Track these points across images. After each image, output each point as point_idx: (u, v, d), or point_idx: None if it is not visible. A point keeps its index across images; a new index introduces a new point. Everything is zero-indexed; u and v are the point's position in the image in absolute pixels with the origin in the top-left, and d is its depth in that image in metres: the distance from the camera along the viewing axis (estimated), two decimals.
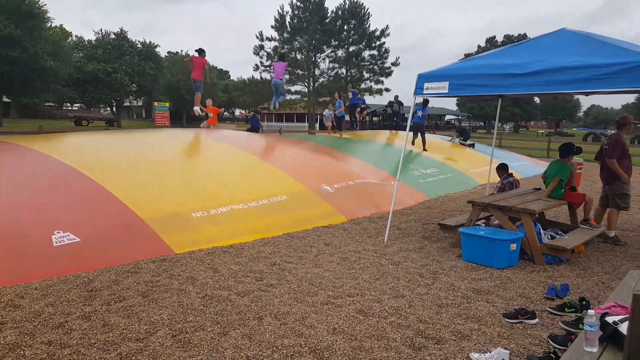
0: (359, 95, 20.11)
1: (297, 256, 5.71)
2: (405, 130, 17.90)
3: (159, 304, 4.15)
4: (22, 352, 3.26)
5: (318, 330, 3.70)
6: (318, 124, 44.41)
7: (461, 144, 17.21)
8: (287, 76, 43.49)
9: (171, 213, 6.42)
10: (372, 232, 7.00)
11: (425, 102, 14.78)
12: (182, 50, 59.88)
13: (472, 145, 17.19)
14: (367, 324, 3.85)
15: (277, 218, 7.15)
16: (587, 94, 7.04)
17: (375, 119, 28.03)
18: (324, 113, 17.74)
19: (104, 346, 3.37)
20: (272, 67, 13.69)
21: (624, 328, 2.40)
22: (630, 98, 74.74)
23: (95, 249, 5.32)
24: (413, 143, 14.40)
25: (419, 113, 14.66)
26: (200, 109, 13.62)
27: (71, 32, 41.29)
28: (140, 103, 60.91)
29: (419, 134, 14.50)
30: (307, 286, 4.69)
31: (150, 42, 43.84)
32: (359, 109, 19.17)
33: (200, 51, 13.04)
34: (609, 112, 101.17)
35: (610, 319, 2.52)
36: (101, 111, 53.10)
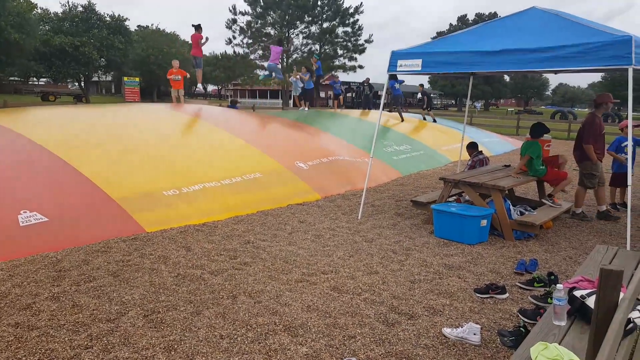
0: (336, 80, 19.44)
1: (271, 234, 5.68)
2: (377, 108, 18.06)
3: (130, 284, 4.08)
4: None
5: (292, 308, 3.70)
6: (292, 100, 44.04)
7: (424, 116, 17.33)
8: (260, 52, 42.81)
9: (142, 191, 6.28)
10: (346, 209, 7.02)
11: (394, 77, 15.10)
12: (152, 24, 58.05)
13: (434, 120, 17.40)
14: (341, 300, 3.87)
15: (251, 196, 7.09)
16: (555, 72, 7.15)
17: (349, 95, 27.90)
18: (290, 80, 16.82)
19: (74, 327, 3.30)
20: (269, 50, 13.95)
21: (591, 302, 2.48)
22: (597, 77, 76.60)
23: (63, 229, 5.18)
24: (403, 119, 15.03)
25: (397, 85, 15.01)
26: (202, 85, 13.49)
27: (36, 4, 39.35)
28: (109, 78, 59.01)
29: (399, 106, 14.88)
30: (282, 264, 4.68)
31: (120, 15, 42.26)
32: (338, 95, 18.89)
33: (197, 27, 12.78)
34: (576, 90, 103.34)
35: (577, 293, 2.59)
36: (69, 86, 51.25)
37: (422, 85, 19.20)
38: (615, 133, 8.55)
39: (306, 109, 15.77)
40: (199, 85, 14.09)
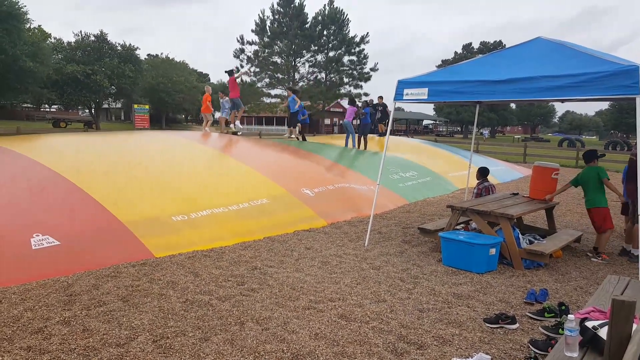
0: (298, 103, 15.41)
1: (278, 260, 5.69)
2: (376, 133, 18.17)
3: (139, 309, 4.08)
4: (0, 358, 3.17)
5: (300, 336, 3.69)
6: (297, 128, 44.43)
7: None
8: (267, 80, 43.42)
9: (151, 217, 6.33)
10: (352, 236, 7.02)
11: (351, 101, 15.69)
12: (162, 53, 59.23)
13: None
14: (349, 329, 3.85)
15: (257, 222, 7.12)
16: (562, 101, 7.21)
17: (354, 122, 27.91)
18: (220, 101, 15.06)
19: (84, 352, 3.31)
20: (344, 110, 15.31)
21: (603, 333, 2.46)
22: (605, 105, 76.75)
23: (74, 253, 5.22)
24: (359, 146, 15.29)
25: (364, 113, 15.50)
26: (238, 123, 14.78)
27: (50, 34, 40.36)
28: (119, 105, 60.00)
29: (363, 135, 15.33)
30: (289, 291, 4.67)
31: (130, 44, 43.20)
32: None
33: (230, 72, 14.20)
34: (583, 118, 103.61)
35: (589, 324, 2.57)
36: (79, 113, 52.09)
37: (381, 97, 18.36)
38: (625, 161, 8.54)
39: (292, 136, 15.84)
40: (237, 124, 14.88)
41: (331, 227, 7.56)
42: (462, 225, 6.99)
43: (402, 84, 6.41)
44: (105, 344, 3.43)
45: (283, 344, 3.55)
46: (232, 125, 14.74)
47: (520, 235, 6.01)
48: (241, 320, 3.93)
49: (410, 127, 68.50)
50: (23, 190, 6.19)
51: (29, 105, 51.62)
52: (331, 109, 51.94)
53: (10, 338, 3.48)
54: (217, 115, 15.61)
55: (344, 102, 38.83)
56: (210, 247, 6.04)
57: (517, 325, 3.99)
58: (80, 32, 44.17)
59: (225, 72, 14.55)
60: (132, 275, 4.93)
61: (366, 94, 44.15)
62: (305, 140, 15.84)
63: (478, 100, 6.46)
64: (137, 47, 43.35)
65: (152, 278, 4.86)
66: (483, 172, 7.92)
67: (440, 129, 78.87)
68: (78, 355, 3.27)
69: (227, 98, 14.49)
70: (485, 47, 60.80)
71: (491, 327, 3.96)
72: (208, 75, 75.31)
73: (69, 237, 5.41)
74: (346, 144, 15.04)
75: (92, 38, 41.88)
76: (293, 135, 15.86)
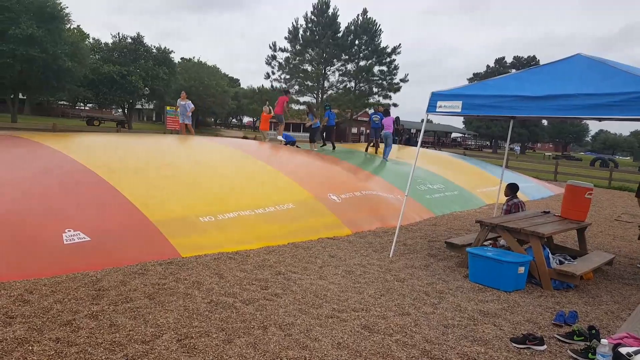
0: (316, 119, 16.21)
1: (301, 266, 5.69)
2: (415, 145, 18.02)
3: (165, 307, 4.14)
4: (30, 348, 3.26)
5: (323, 344, 3.67)
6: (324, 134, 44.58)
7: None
8: (296, 87, 43.76)
9: (179, 217, 6.43)
10: (377, 246, 6.98)
11: (386, 112, 15.84)
12: (194, 57, 60.36)
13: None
14: (372, 340, 3.82)
15: (283, 226, 7.15)
16: (600, 119, 7.05)
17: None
18: (182, 103, 15.67)
19: (111, 347, 3.37)
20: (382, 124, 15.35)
21: None
22: None
23: (104, 249, 5.34)
24: (370, 150, 15.54)
25: (375, 118, 15.58)
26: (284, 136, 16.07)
27: (89, 35, 41.70)
28: (151, 106, 61.37)
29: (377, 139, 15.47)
30: (312, 298, 4.67)
31: (166, 47, 44.27)
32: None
33: (286, 92, 16.51)
34: (617, 138, 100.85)
35: (623, 350, 2.49)
36: (113, 112, 53.44)
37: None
38: None
39: (315, 148, 15.92)
40: (279, 137, 16.32)
41: (355, 236, 7.53)
42: (490, 241, 6.87)
43: (436, 96, 6.36)
44: (131, 340, 3.49)
45: (305, 351, 3.54)
46: (278, 137, 16.23)
47: (550, 255, 5.87)
48: (264, 325, 3.94)
49: (439, 139, 67.91)
50: (57, 185, 6.36)
51: (64, 102, 53.22)
52: (359, 118, 51.90)
53: (40, 329, 3.56)
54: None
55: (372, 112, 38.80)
56: (236, 250, 6.09)
57: (544, 346, 3.88)
58: (118, 34, 45.41)
59: (282, 90, 16.24)
60: (159, 273, 5.01)
61: (395, 105, 44.07)
62: (334, 147, 16.06)
63: (514, 115, 6.36)
64: (172, 51, 44.39)
65: (178, 277, 4.93)
66: (513, 189, 7.77)
67: (469, 143, 77.91)
68: (105, 349, 3.33)
69: (189, 101, 15.58)
70: (519, 62, 59.95)
71: (518, 347, 3.87)
72: (239, 80, 76.43)
73: (99, 233, 5.53)
74: (384, 156, 14.47)
75: (129, 40, 43.06)
76: (315, 149, 16.03)
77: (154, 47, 43.86)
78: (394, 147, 16.02)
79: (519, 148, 63.71)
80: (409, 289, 5.19)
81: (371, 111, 16.18)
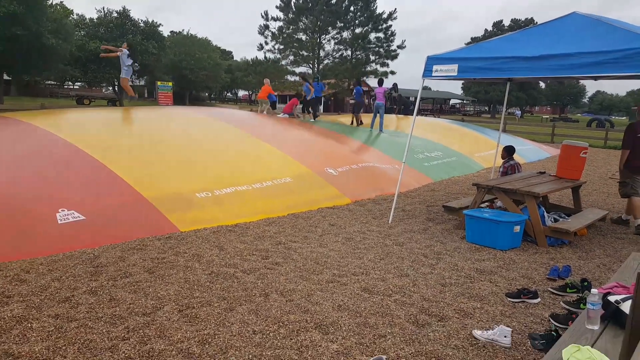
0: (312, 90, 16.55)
1: (302, 236, 5.75)
2: (411, 114, 17.86)
3: (165, 280, 4.20)
4: (29, 325, 3.31)
5: (323, 307, 3.75)
6: (322, 106, 44.22)
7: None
8: (291, 57, 43.13)
9: (175, 193, 6.45)
10: (376, 213, 7.03)
11: (380, 81, 15.38)
12: (183, 30, 59.30)
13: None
14: (371, 301, 3.90)
15: (281, 200, 7.18)
16: (595, 78, 7.00)
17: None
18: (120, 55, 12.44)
19: (111, 320, 3.43)
20: (373, 93, 15.68)
21: (625, 307, 2.44)
22: (636, 84, 74.03)
23: (100, 227, 5.36)
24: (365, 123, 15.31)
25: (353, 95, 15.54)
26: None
27: (72, 10, 40.76)
28: (142, 82, 60.59)
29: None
30: (313, 265, 4.73)
31: (153, 21, 43.39)
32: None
33: (317, 78, 17.51)
34: (613, 98, 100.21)
35: (612, 298, 2.55)
36: (103, 90, 52.77)
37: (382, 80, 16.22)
38: None
39: (311, 119, 15.93)
40: (279, 115, 16.24)
41: (355, 205, 7.58)
42: (486, 203, 6.92)
43: (432, 60, 6.29)
44: (132, 313, 3.55)
45: (307, 314, 3.62)
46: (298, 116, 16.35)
47: (545, 213, 5.93)
48: (265, 292, 4.01)
49: (438, 106, 67.48)
50: (47, 166, 6.34)
51: (52, 82, 52.40)
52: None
53: (39, 306, 3.60)
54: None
55: (370, 81, 38.33)
56: (235, 223, 6.14)
57: (538, 300, 3.97)
58: (103, 8, 44.47)
59: (317, 77, 17.42)
60: (157, 248, 5.05)
61: (392, 73, 43.54)
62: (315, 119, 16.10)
63: (510, 77, 6.30)
64: (160, 24, 43.51)
65: (177, 251, 4.98)
66: (509, 151, 7.79)
67: (468, 109, 77.47)
68: (105, 323, 3.39)
69: (126, 51, 12.62)
70: (516, 25, 58.98)
71: (513, 302, 3.95)
72: (231, 52, 75.33)
73: (93, 212, 5.54)
74: (372, 125, 14.60)
75: (115, 15, 42.16)
76: (304, 119, 16.12)
77: (142, 21, 43.02)
78: (392, 117, 15.88)
79: (519, 112, 63.31)
80: (408, 252, 5.26)
81: (373, 84, 15.90)
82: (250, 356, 3.01)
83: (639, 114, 6.67)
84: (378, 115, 14.39)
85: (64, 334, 3.22)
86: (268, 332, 3.33)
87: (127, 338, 3.19)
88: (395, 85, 20.45)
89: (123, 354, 2.99)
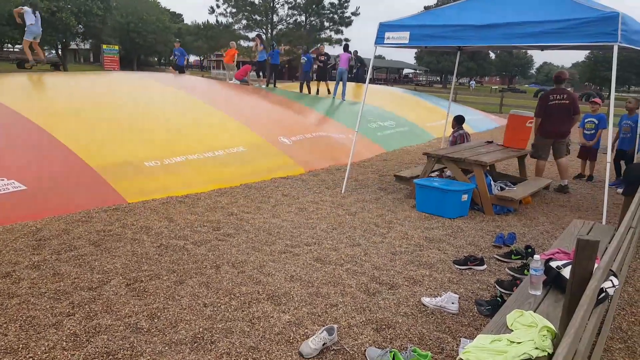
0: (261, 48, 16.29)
1: (255, 206, 5.69)
2: (364, 82, 17.72)
3: (111, 253, 4.06)
4: None
5: (276, 278, 3.74)
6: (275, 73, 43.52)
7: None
8: (244, 21, 41.93)
9: (122, 162, 6.19)
10: (329, 183, 7.04)
11: (345, 47, 15.52)
12: None
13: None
14: (323, 271, 3.92)
15: (234, 169, 7.05)
16: (542, 48, 7.19)
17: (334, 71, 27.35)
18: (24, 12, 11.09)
19: (55, 295, 3.29)
20: (338, 57, 15.00)
21: (566, 272, 2.55)
22: (580, 56, 77.01)
23: (42, 198, 5.10)
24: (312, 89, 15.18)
25: (303, 60, 15.23)
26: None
27: None
28: (87, 46, 57.35)
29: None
30: (265, 236, 4.70)
31: None
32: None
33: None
34: (560, 69, 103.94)
35: (554, 264, 2.66)
36: (45, 54, 49.54)
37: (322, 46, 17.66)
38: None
39: (263, 85, 15.68)
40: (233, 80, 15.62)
41: (309, 174, 7.55)
42: (436, 172, 7.07)
43: (384, 27, 6.23)
44: (77, 288, 3.42)
45: (259, 285, 3.60)
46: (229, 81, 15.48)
47: (492, 182, 6.12)
48: (217, 264, 3.95)
49: (391, 75, 67.81)
50: None
51: None
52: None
53: None
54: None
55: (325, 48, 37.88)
56: (186, 194, 5.98)
57: (485, 266, 4.12)
58: None
59: (273, 43, 17.16)
60: (103, 220, 4.86)
61: (347, 40, 43.22)
62: (275, 86, 15.78)
63: (459, 45, 6.36)
64: None
65: (124, 223, 4.81)
66: (459, 120, 7.94)
67: (420, 79, 78.32)
68: (49, 299, 3.25)
69: (27, 9, 11.28)
70: None
71: (460, 269, 4.09)
72: (182, 15, 72.29)
73: (35, 181, 5.26)
74: (334, 93, 14.43)
75: None
76: (262, 85, 15.74)
77: None
78: (350, 85, 15.70)
79: (474, 83, 64.62)
80: (360, 221, 5.32)
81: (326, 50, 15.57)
82: (200, 329, 2.97)
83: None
84: (341, 82, 14.17)
85: (5, 311, 3.07)
86: (219, 304, 3.29)
87: (72, 314, 3.07)
88: (355, 52, 20.05)
89: (68, 330, 2.88)
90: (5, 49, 50.91)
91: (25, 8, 11.10)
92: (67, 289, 3.39)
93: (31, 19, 11.13)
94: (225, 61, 17.17)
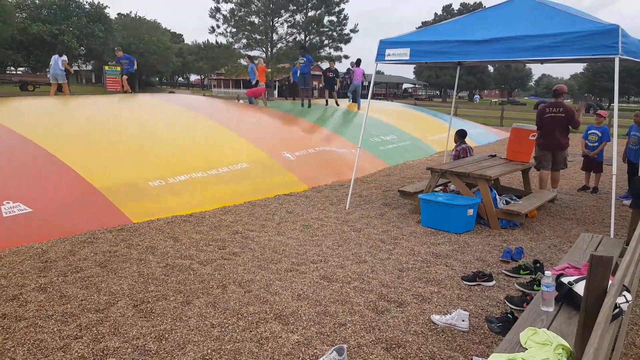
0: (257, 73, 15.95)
1: (259, 224, 5.67)
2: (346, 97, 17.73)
3: (118, 274, 4.04)
4: None
5: (283, 297, 3.71)
6: (276, 90, 43.76)
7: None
8: (244, 40, 42.33)
9: (127, 182, 6.21)
10: (333, 199, 7.03)
11: (358, 62, 15.43)
12: (131, 12, 56.99)
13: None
14: (331, 289, 3.89)
15: (238, 186, 7.06)
16: (542, 62, 7.25)
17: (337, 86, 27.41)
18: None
19: (62, 318, 3.27)
20: (352, 72, 15.29)
21: (578, 288, 2.53)
22: (579, 68, 77.45)
23: (48, 220, 5.10)
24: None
25: (301, 61, 15.26)
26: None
27: None
28: (89, 67, 57.97)
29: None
30: (271, 254, 4.68)
31: (99, 2, 41.42)
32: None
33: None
34: (559, 81, 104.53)
35: (565, 280, 2.64)
36: (48, 75, 50.04)
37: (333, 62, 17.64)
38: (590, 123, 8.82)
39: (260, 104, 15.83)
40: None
41: (312, 191, 7.55)
42: (440, 187, 7.06)
43: (384, 44, 6.29)
44: (84, 310, 3.39)
45: (266, 305, 3.57)
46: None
47: (497, 196, 6.10)
48: (223, 284, 3.93)
49: (390, 90, 68.18)
50: None
51: None
52: (311, 72, 51.05)
53: None
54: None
55: (324, 65, 38.11)
56: (190, 212, 5.98)
57: (493, 282, 4.09)
58: None
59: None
60: (109, 240, 4.85)
61: (346, 57, 43.58)
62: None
63: (460, 60, 6.41)
64: (107, 6, 41.71)
65: (130, 243, 4.80)
66: (461, 135, 7.95)
67: (420, 93, 78.72)
68: (56, 321, 3.23)
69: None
70: (465, 9, 60.27)
71: (469, 285, 4.06)
72: (182, 35, 73.09)
73: (41, 204, 5.26)
74: (352, 102, 15.09)
75: None
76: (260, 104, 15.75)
77: (87, 2, 41.01)
78: (346, 102, 15.81)
79: (478, 97, 64.80)
80: (365, 237, 5.29)
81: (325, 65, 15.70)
82: (209, 350, 2.94)
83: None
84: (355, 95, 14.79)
85: (12, 334, 3.05)
86: (227, 325, 3.26)
87: (80, 336, 3.05)
88: (349, 69, 20.14)
89: (76, 354, 2.85)
90: (8, 72, 51.51)
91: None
92: (74, 311, 3.37)
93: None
94: (261, 80, 15.75)
